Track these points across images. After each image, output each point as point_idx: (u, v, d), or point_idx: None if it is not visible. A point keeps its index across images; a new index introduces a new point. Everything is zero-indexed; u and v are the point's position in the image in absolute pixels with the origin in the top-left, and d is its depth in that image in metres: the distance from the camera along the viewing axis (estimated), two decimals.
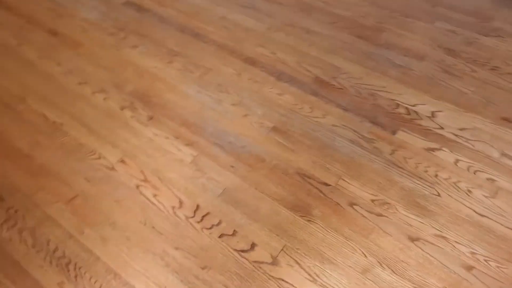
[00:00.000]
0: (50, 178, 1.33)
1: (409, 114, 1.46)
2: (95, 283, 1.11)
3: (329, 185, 1.28)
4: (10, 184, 1.33)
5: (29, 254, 1.17)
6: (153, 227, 1.20)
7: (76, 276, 1.12)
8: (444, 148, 1.36)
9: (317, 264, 1.12)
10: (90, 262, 1.14)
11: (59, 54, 1.72)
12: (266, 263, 1.13)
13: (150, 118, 1.48)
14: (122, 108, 1.51)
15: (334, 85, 1.56)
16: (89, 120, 1.48)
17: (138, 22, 1.85)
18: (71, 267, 1.14)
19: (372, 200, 1.24)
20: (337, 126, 1.43)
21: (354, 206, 1.23)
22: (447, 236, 1.16)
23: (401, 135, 1.40)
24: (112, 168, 1.35)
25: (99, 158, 1.37)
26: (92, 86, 1.59)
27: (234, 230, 1.19)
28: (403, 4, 1.86)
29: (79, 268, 1.13)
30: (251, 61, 1.65)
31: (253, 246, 1.16)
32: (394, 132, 1.41)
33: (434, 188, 1.27)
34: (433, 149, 1.36)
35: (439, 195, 1.25)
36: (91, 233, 1.20)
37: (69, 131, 1.45)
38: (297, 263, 1.12)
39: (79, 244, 1.18)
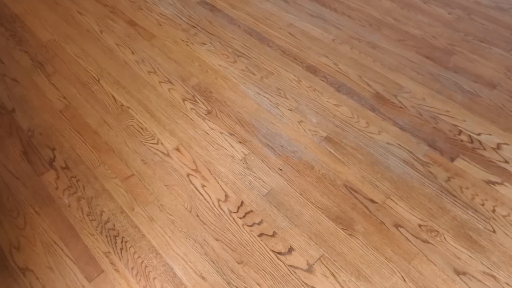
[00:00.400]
0: (111, 155, 1.44)
1: (471, 142, 1.39)
2: (137, 258, 1.18)
3: (376, 202, 1.25)
4: (77, 155, 1.45)
5: (83, 222, 1.27)
6: (197, 216, 1.25)
7: (121, 249, 1.20)
8: (506, 183, 1.28)
9: (353, 280, 1.10)
10: (136, 238, 1.22)
11: (135, 44, 1.86)
12: (301, 269, 1.13)
13: (209, 112, 1.54)
14: (184, 100, 1.60)
15: (394, 103, 1.52)
16: (153, 107, 1.58)
17: (210, 21, 1.94)
18: (118, 240, 1.22)
19: (420, 225, 1.19)
20: (392, 144, 1.40)
21: (400, 228, 1.19)
22: (498, 276, 1.09)
23: (460, 163, 1.34)
24: (168, 155, 1.42)
25: (157, 143, 1.46)
26: (160, 76, 1.70)
27: (274, 232, 1.20)
28: (480, 28, 1.77)
29: (125, 242, 1.21)
30: (313, 70, 1.67)
31: (290, 250, 1.16)
32: (452, 159, 1.35)
33: (489, 223, 1.19)
34: (493, 183, 1.28)
35: (494, 231, 1.18)
36: (141, 211, 1.28)
37: (134, 115, 1.56)
38: (333, 275, 1.11)
39: (129, 219, 1.26)
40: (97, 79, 1.71)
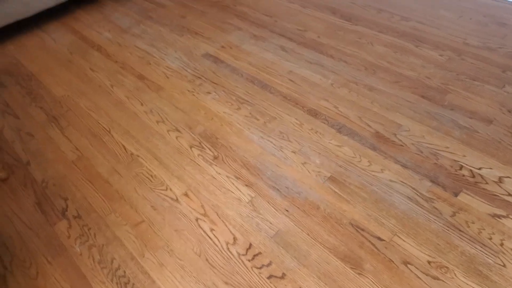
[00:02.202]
0: (122, 203, 1.48)
1: (473, 177, 1.42)
2: None
3: (383, 240, 1.26)
4: (88, 204, 1.49)
5: (94, 270, 1.29)
6: (207, 260, 1.26)
7: None
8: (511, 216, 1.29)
9: None
10: (146, 284, 1.22)
11: (143, 96, 1.96)
12: None
13: (215, 158, 1.60)
14: (191, 147, 1.66)
15: (395, 141, 1.57)
16: (161, 155, 1.64)
17: (214, 71, 2.06)
18: (129, 287, 1.23)
19: (429, 262, 1.19)
20: (395, 182, 1.43)
21: (409, 265, 1.19)
22: None
23: (464, 198, 1.36)
24: (176, 200, 1.46)
25: (166, 189, 1.50)
26: (168, 125, 1.78)
27: (283, 273, 1.21)
28: (471, 67, 1.86)
29: None
30: (314, 113, 1.74)
31: None
32: (456, 194, 1.37)
33: (498, 257, 1.19)
34: (499, 216, 1.29)
35: (504, 265, 1.17)
36: (151, 257, 1.29)
37: (144, 163, 1.61)
38: None
39: (139, 266, 1.27)
40: (108, 130, 1.80)
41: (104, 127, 1.82)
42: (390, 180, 1.43)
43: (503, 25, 2.10)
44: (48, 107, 1.98)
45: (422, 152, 1.52)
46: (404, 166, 1.48)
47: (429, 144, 1.55)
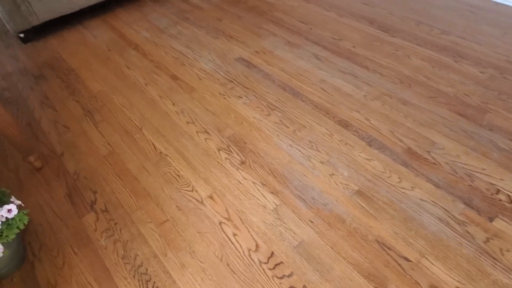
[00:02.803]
0: (149, 200, 1.50)
1: (510, 202, 1.35)
2: None
3: (410, 261, 1.22)
4: (116, 199, 1.52)
5: (118, 264, 1.31)
6: (228, 264, 1.26)
7: None
8: None
9: None
10: (167, 284, 1.23)
11: (176, 96, 1.99)
12: None
13: (242, 162, 1.60)
14: (219, 150, 1.67)
15: (428, 159, 1.52)
16: (189, 156, 1.66)
17: (246, 76, 2.06)
18: (150, 285, 1.24)
19: None
20: (425, 201, 1.38)
21: None
22: None
23: (499, 224, 1.29)
24: (201, 202, 1.47)
25: (192, 190, 1.51)
26: (197, 126, 1.80)
27: (304, 286, 1.19)
28: None
29: (157, 287, 1.23)
30: (345, 124, 1.71)
31: None
32: (491, 219, 1.31)
33: None
34: None
35: None
36: (173, 257, 1.30)
37: (172, 162, 1.64)
38: None
39: (161, 265, 1.28)
40: (140, 127, 1.84)
41: (136, 124, 1.86)
42: (421, 199, 1.38)
43: None
44: (85, 101, 2.05)
45: (456, 173, 1.46)
46: (437, 185, 1.43)
47: (465, 164, 1.49)
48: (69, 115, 1.97)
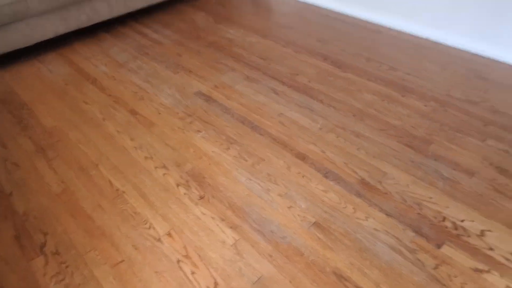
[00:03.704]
0: (103, 240, 1.45)
1: (456, 229, 1.43)
2: None
3: None
4: (69, 239, 1.46)
5: None
6: None
7: None
8: (493, 271, 1.29)
9: None
10: None
11: (134, 131, 1.98)
12: None
13: (201, 197, 1.60)
14: (177, 185, 1.66)
15: (380, 189, 1.60)
16: (147, 192, 1.63)
17: (205, 110, 2.09)
18: None
19: None
20: (379, 230, 1.43)
21: None
22: None
23: (447, 250, 1.36)
24: (159, 240, 1.44)
25: (149, 228, 1.48)
26: (156, 162, 1.78)
27: None
28: (454, 119, 1.92)
29: None
30: (302, 157, 1.77)
31: None
32: (439, 246, 1.38)
33: None
34: (481, 271, 1.30)
35: None
36: None
37: (129, 199, 1.60)
38: None
39: None
40: (96, 164, 1.79)
41: (92, 160, 1.81)
42: (375, 229, 1.44)
43: (484, 80, 2.20)
44: (38, 137, 1.98)
45: (406, 201, 1.54)
46: (389, 214, 1.49)
47: (413, 193, 1.57)
48: (20, 152, 1.89)
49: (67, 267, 1.37)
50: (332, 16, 3.05)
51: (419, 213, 1.49)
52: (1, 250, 1.45)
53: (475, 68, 2.30)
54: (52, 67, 2.59)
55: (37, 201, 1.62)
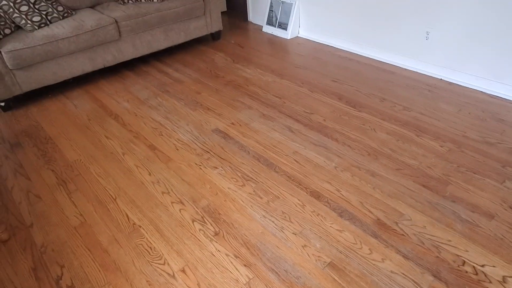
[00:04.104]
0: (118, 275, 1.46)
1: (476, 274, 1.39)
2: None
3: None
4: (84, 274, 1.47)
5: None
6: None
7: None
8: None
9: None
10: None
11: (152, 166, 2.03)
12: None
13: (216, 234, 1.60)
14: (193, 221, 1.67)
15: (396, 230, 1.57)
16: (163, 227, 1.65)
17: (222, 147, 2.14)
18: None
19: None
20: (396, 273, 1.40)
21: None
22: None
23: None
24: (173, 276, 1.44)
25: (164, 264, 1.49)
26: (172, 197, 1.81)
27: None
28: (471, 160, 1.91)
29: None
30: (316, 195, 1.77)
31: None
32: None
33: None
34: None
35: None
36: None
37: (145, 234, 1.62)
38: None
39: None
40: (114, 197, 1.83)
41: (110, 194, 1.86)
42: (391, 271, 1.41)
43: (500, 121, 2.20)
44: (60, 170, 2.05)
45: (423, 244, 1.51)
46: (406, 257, 1.46)
47: (431, 235, 1.54)
48: (42, 184, 1.95)
49: None
50: (346, 57, 3.14)
51: (437, 256, 1.46)
52: (18, 282, 1.47)
53: (491, 109, 2.31)
54: (77, 103, 2.72)
55: (55, 234, 1.66)
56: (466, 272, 1.40)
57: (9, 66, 2.51)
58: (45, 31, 2.62)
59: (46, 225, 1.71)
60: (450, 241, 1.52)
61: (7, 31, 2.62)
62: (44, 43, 2.58)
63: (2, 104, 2.65)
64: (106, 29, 2.81)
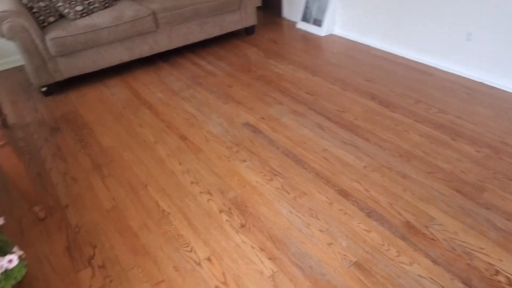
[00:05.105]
0: (146, 258, 1.50)
1: (510, 285, 1.34)
2: None
3: None
4: (115, 255, 1.53)
5: None
6: None
7: None
8: None
9: None
10: None
11: (182, 156, 2.07)
12: None
13: (242, 225, 1.62)
14: (220, 211, 1.70)
15: (426, 234, 1.54)
16: (191, 216, 1.69)
17: (252, 141, 2.15)
18: None
19: None
20: (424, 277, 1.37)
21: None
22: None
23: None
24: (199, 264, 1.47)
25: (191, 251, 1.52)
26: (201, 187, 1.84)
27: None
28: (509, 168, 1.83)
29: None
30: (344, 194, 1.75)
31: None
32: None
33: None
34: None
35: None
36: None
37: (173, 221, 1.66)
38: None
39: None
40: (145, 184, 1.89)
41: (142, 181, 1.91)
42: (419, 275, 1.38)
43: None
44: (95, 155, 2.13)
45: (454, 250, 1.47)
46: (435, 262, 1.43)
47: (463, 242, 1.50)
48: (78, 168, 2.04)
49: (111, 281, 1.43)
50: (381, 56, 3.07)
51: (469, 264, 1.41)
52: (53, 259, 1.54)
53: None
54: (114, 91, 2.81)
55: (89, 216, 1.73)
56: (499, 282, 1.35)
57: (52, 53, 2.62)
58: (86, 20, 2.72)
59: (80, 207, 1.78)
60: (482, 249, 1.47)
61: (51, 19, 2.73)
62: (85, 32, 2.67)
63: (44, 89, 2.78)
64: (144, 20, 2.88)
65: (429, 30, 2.80)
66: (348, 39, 3.46)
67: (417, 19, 2.85)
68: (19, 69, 3.33)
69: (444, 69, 2.78)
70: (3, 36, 2.47)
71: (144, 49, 3.02)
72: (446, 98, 2.44)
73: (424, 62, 2.91)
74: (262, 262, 1.46)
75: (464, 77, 2.66)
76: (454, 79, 2.65)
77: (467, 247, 1.48)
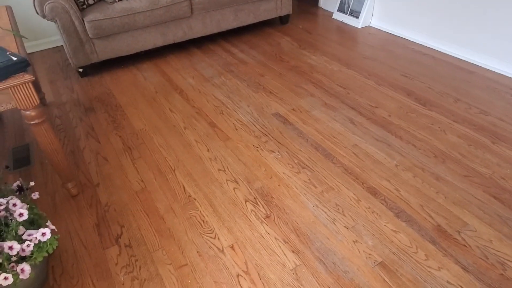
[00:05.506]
0: (171, 241, 1.53)
1: None
2: None
3: None
4: (141, 236, 1.56)
5: None
6: None
7: None
8: None
9: None
10: None
11: (211, 142, 2.08)
12: None
13: (267, 216, 1.61)
14: (246, 201, 1.70)
15: (457, 239, 1.47)
16: (216, 203, 1.69)
17: (281, 132, 2.13)
18: None
19: None
20: (452, 284, 1.32)
21: None
22: None
23: None
24: (222, 251, 1.48)
25: (215, 238, 1.53)
26: (228, 175, 1.85)
27: None
28: None
29: None
30: (373, 191, 1.71)
31: None
32: None
33: None
34: None
35: None
36: None
37: (199, 207, 1.67)
38: None
39: None
40: (173, 169, 1.91)
41: (170, 165, 1.94)
42: (448, 282, 1.33)
43: None
44: (126, 137, 2.17)
45: (487, 258, 1.40)
46: (465, 269, 1.37)
47: (497, 251, 1.42)
48: (110, 148, 2.09)
49: (136, 260, 1.46)
50: (420, 51, 2.95)
51: (502, 274, 1.34)
52: (83, 235, 1.59)
53: None
54: (146, 75, 2.85)
55: (118, 195, 1.77)
56: None
57: (89, 35, 2.68)
58: (124, 4, 2.76)
59: (110, 186, 1.83)
60: None
61: (90, 1, 2.79)
62: (122, 15, 2.71)
63: (81, 70, 2.85)
64: (179, 5, 2.88)
65: (474, 25, 2.65)
66: (386, 32, 3.34)
67: (461, 12, 2.70)
68: (58, 49, 3.44)
69: (489, 68, 2.64)
70: (44, 16, 2.54)
71: (178, 34, 3.03)
72: (488, 98, 2.31)
73: (467, 60, 2.76)
74: (285, 255, 1.45)
75: (510, 77, 2.51)
76: (499, 79, 2.50)
77: (501, 257, 1.41)
